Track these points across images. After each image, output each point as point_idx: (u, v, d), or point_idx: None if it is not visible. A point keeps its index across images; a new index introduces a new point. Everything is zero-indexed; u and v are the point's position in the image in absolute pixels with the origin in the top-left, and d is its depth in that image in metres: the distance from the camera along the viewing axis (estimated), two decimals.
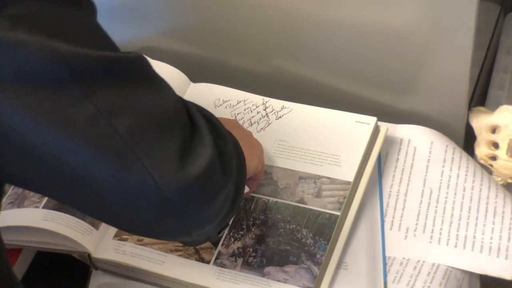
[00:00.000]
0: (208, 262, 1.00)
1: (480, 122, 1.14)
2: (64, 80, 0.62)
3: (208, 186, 0.71)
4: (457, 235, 1.01)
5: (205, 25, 1.23)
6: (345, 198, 1.01)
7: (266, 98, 1.15)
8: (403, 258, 1.00)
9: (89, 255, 1.03)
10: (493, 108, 1.16)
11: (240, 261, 0.99)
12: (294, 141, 1.09)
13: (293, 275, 0.97)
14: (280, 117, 1.12)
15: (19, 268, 1.10)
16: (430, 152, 1.09)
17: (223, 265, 0.99)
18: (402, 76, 1.14)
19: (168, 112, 0.69)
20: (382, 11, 1.06)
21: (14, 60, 0.60)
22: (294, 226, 1.01)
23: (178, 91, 1.11)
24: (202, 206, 0.71)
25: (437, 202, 1.05)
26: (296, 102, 1.13)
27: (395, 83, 1.15)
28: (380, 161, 1.08)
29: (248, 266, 0.98)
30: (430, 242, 1.01)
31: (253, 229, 1.02)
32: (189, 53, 1.28)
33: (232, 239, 1.01)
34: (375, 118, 1.08)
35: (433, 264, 0.99)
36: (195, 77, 1.22)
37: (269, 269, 0.98)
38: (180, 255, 1.01)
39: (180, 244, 1.01)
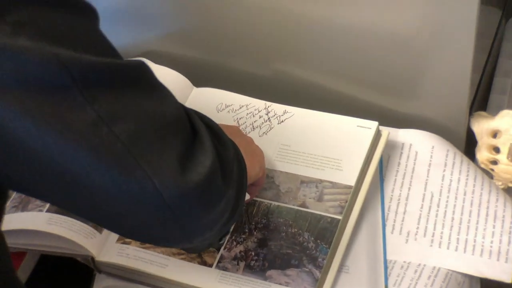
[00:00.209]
0: (210, 266, 1.00)
1: (481, 126, 1.15)
2: (66, 86, 0.62)
3: (209, 193, 0.71)
4: (457, 238, 1.02)
5: (208, 30, 1.23)
6: (346, 202, 1.02)
7: (269, 103, 1.16)
8: (404, 262, 1.01)
9: (92, 259, 1.04)
10: (495, 112, 1.16)
11: (242, 264, 1.00)
12: (296, 146, 1.09)
13: (295, 278, 0.97)
14: (282, 121, 1.13)
15: (23, 272, 1.11)
16: (431, 157, 1.09)
17: (225, 269, 0.99)
18: (403, 81, 1.14)
19: (169, 119, 0.70)
20: (384, 15, 1.06)
21: (16, 66, 0.60)
22: (296, 230, 1.01)
23: (181, 95, 1.13)
24: (203, 213, 0.72)
25: (438, 206, 1.05)
26: (298, 107, 1.14)
27: (397, 87, 1.15)
28: (381, 166, 1.08)
29: (250, 269, 0.99)
30: (431, 245, 1.01)
31: (255, 233, 1.02)
32: (192, 57, 1.28)
33: (234, 243, 1.02)
34: (376, 123, 1.08)
35: (434, 268, 0.99)
36: (198, 82, 1.22)
37: (271, 272, 0.98)
38: (182, 259, 1.01)
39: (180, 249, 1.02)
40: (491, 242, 1.01)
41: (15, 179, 0.67)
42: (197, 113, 0.77)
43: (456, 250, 1.01)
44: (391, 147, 1.11)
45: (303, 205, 1.03)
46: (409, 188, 1.07)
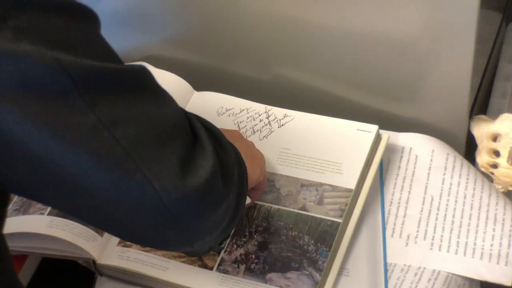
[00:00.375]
0: (211, 269, 1.00)
1: (481, 130, 1.15)
2: (67, 90, 0.62)
3: (209, 197, 0.71)
4: (457, 242, 1.02)
5: (208, 34, 1.23)
6: (346, 205, 1.02)
7: (269, 107, 1.16)
8: (404, 265, 1.01)
9: (94, 261, 1.04)
10: (495, 116, 1.16)
11: (242, 267, 1.00)
12: (296, 149, 1.09)
13: (295, 281, 0.97)
14: (282, 125, 1.13)
15: (25, 275, 1.11)
16: (431, 160, 1.10)
17: (225, 272, 1.00)
18: (403, 85, 1.14)
19: (170, 123, 0.70)
20: (384, 19, 1.07)
21: (18, 70, 0.61)
22: (296, 233, 1.02)
23: (181, 99, 1.13)
24: (203, 217, 0.72)
25: (438, 209, 1.05)
26: (298, 110, 1.14)
27: (397, 91, 1.15)
28: (381, 169, 1.09)
29: (250, 272, 0.99)
30: (431, 249, 1.02)
31: (255, 236, 1.03)
32: (193, 62, 1.29)
33: (235, 246, 1.02)
34: (376, 126, 1.08)
35: (434, 271, 0.99)
36: (198, 86, 1.23)
37: (271, 275, 0.99)
38: (183, 261, 1.01)
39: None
40: (491, 245, 1.01)
41: (17, 182, 0.67)
42: (198, 117, 0.78)
43: (456, 253, 1.01)
44: (391, 151, 1.11)
45: (303, 208, 1.03)
46: (409, 192, 1.08)
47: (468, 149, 1.17)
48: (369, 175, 1.05)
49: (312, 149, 1.09)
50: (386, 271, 1.00)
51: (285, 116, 1.14)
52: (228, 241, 1.02)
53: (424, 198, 1.07)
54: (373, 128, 1.08)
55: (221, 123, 0.90)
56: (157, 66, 1.21)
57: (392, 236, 1.04)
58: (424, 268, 1.00)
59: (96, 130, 0.64)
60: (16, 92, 0.61)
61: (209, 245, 0.81)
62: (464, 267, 1.00)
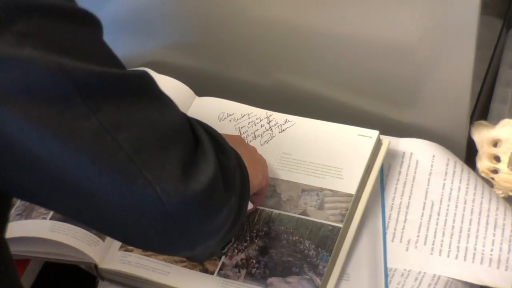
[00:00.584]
0: (212, 273, 1.01)
1: (482, 135, 1.15)
2: (70, 95, 0.63)
3: (210, 201, 0.72)
4: (458, 247, 1.02)
5: (210, 40, 1.24)
6: (347, 210, 1.02)
7: (270, 112, 1.16)
8: (405, 270, 1.01)
9: (95, 266, 1.04)
10: (496, 121, 1.16)
11: (243, 272, 1.00)
12: (297, 154, 1.10)
13: (296, 286, 0.97)
14: (283, 130, 1.14)
15: (27, 279, 1.12)
16: (431, 166, 1.10)
17: (226, 276, 1.00)
18: (404, 90, 1.14)
19: (172, 128, 0.71)
20: (384, 25, 1.07)
21: (21, 75, 0.61)
22: (296, 237, 1.02)
23: (183, 105, 1.13)
24: (205, 221, 0.72)
25: (438, 214, 1.05)
26: (299, 116, 1.15)
27: (398, 97, 1.16)
28: (382, 174, 1.09)
29: (251, 277, 1.00)
30: (431, 253, 1.02)
31: (256, 241, 1.03)
32: (194, 67, 1.29)
33: (236, 251, 1.02)
34: (377, 132, 1.09)
35: (434, 276, 1.00)
36: (200, 91, 1.23)
37: (272, 280, 0.99)
38: (184, 266, 1.02)
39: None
40: (491, 250, 1.01)
41: (19, 186, 0.68)
42: (200, 122, 0.78)
43: (456, 258, 1.01)
44: (392, 156, 1.11)
45: (304, 213, 1.04)
46: (409, 197, 1.08)
47: (468, 155, 1.17)
48: (370, 180, 1.06)
49: (313, 154, 1.09)
50: (386, 275, 1.00)
51: (286, 121, 1.15)
52: (229, 246, 1.02)
53: (424, 203, 1.07)
54: (374, 133, 1.09)
55: (223, 128, 0.91)
56: (159, 71, 1.21)
57: (392, 241, 1.04)
58: (425, 273, 1.00)
59: (98, 134, 0.64)
60: (19, 96, 0.61)
61: (211, 250, 0.81)
62: (465, 272, 1.00)
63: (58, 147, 0.63)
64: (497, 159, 1.14)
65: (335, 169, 1.07)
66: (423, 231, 1.04)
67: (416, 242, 1.03)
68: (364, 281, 1.00)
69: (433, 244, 1.03)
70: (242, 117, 1.17)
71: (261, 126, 1.15)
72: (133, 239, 0.74)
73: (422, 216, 1.06)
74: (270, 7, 1.13)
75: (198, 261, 1.00)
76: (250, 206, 0.98)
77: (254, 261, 1.01)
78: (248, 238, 1.03)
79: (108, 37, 0.71)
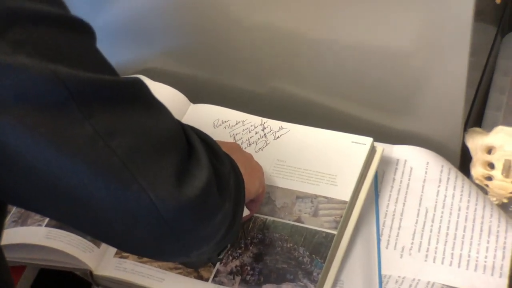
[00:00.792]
0: (206, 280, 1.01)
1: (476, 142, 1.16)
2: (64, 102, 0.63)
3: (204, 207, 0.72)
4: (452, 253, 1.02)
5: (204, 48, 1.24)
6: (341, 217, 1.02)
7: (264, 119, 1.17)
8: (399, 277, 1.01)
9: (90, 272, 1.04)
10: (490, 128, 1.17)
11: (238, 279, 1.00)
12: (292, 161, 1.10)
13: None
14: (278, 137, 1.14)
15: (22, 286, 1.11)
16: (426, 172, 1.10)
17: (221, 283, 1.00)
18: (398, 97, 1.15)
19: (165, 134, 0.71)
20: (379, 33, 1.07)
21: (15, 82, 0.61)
22: (291, 244, 1.02)
23: (178, 111, 1.13)
24: (199, 226, 0.72)
25: (433, 221, 1.05)
26: (294, 123, 1.15)
27: (391, 104, 1.16)
28: (376, 181, 1.09)
29: (246, 284, 1.00)
30: (426, 260, 1.02)
31: (251, 248, 1.03)
32: (189, 75, 1.29)
33: (230, 258, 1.02)
34: (371, 139, 1.09)
35: (428, 282, 1.00)
36: (194, 98, 1.24)
37: (266, 287, 0.99)
38: (179, 273, 1.02)
39: (179, 263, 1.02)
40: (486, 257, 1.01)
41: (14, 193, 0.68)
42: (194, 129, 0.78)
43: (450, 265, 1.01)
44: (386, 163, 1.12)
45: (298, 220, 1.04)
46: (403, 204, 1.08)
47: (462, 162, 1.18)
48: (364, 187, 1.06)
49: (307, 161, 1.10)
50: (380, 282, 1.00)
51: (280, 128, 1.15)
52: (225, 252, 1.03)
53: (418, 210, 1.07)
54: (368, 140, 1.09)
55: (217, 135, 0.91)
56: (154, 79, 1.22)
57: (386, 248, 1.04)
58: (419, 280, 1.00)
59: (92, 141, 0.65)
60: (13, 103, 0.62)
61: (207, 256, 0.81)
62: (459, 279, 1.00)
63: (52, 154, 0.64)
64: (491, 166, 1.14)
65: (329, 176, 1.07)
66: (417, 238, 1.04)
67: (410, 249, 1.03)
68: None
69: (427, 251, 1.03)
70: (236, 124, 1.17)
71: (256, 133, 1.15)
72: (128, 245, 0.75)
73: (416, 223, 1.06)
74: (265, 15, 1.13)
75: (195, 267, 1.00)
76: (246, 212, 0.98)
77: (249, 268, 1.01)
78: (242, 245, 1.03)
79: (104, 45, 0.71)
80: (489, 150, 1.15)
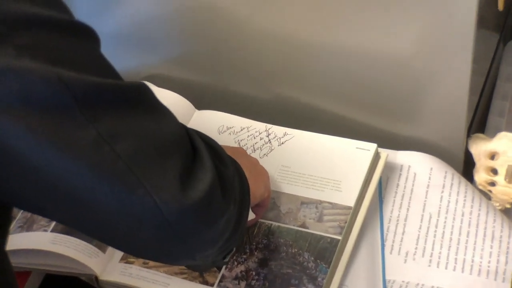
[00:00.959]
0: (212, 285, 1.01)
1: (479, 148, 1.16)
2: (68, 105, 0.64)
3: (209, 210, 0.72)
4: (455, 258, 1.02)
5: (209, 54, 1.25)
6: (346, 222, 1.03)
7: (269, 125, 1.17)
8: (403, 281, 1.01)
9: (96, 278, 1.05)
10: (493, 134, 1.17)
11: (243, 284, 1.00)
12: (296, 167, 1.10)
13: None
14: (282, 143, 1.14)
15: None
16: (429, 178, 1.11)
17: None
18: (402, 104, 1.15)
19: (169, 137, 0.71)
20: (382, 39, 1.08)
21: (20, 86, 0.62)
22: (296, 250, 1.02)
23: (183, 118, 1.14)
24: (203, 229, 0.73)
25: (436, 226, 1.06)
26: (298, 129, 1.15)
27: (395, 110, 1.16)
28: (380, 187, 1.09)
29: None
30: (429, 265, 1.02)
31: (256, 253, 1.03)
32: (194, 81, 1.30)
33: (236, 263, 1.03)
34: (375, 145, 1.09)
35: (432, 287, 1.00)
36: (199, 105, 1.24)
37: None
38: (184, 278, 1.02)
39: (185, 267, 1.03)
40: (489, 262, 1.01)
41: (19, 195, 0.68)
42: (198, 133, 0.79)
43: (454, 270, 1.01)
44: (390, 169, 1.12)
45: (303, 225, 1.04)
46: (407, 209, 1.08)
47: (466, 167, 1.18)
48: (368, 193, 1.06)
49: (311, 167, 1.10)
50: (385, 287, 1.00)
51: (285, 134, 1.15)
52: (230, 256, 1.03)
53: (422, 215, 1.07)
54: (372, 146, 1.09)
55: (222, 141, 0.91)
56: (159, 85, 1.22)
57: (391, 253, 1.04)
58: (423, 284, 1.00)
59: (96, 144, 0.65)
60: (18, 107, 0.62)
61: (212, 259, 0.82)
62: (462, 283, 1.00)
63: (56, 157, 0.64)
64: (494, 171, 1.15)
65: (334, 182, 1.07)
66: (421, 243, 1.04)
67: (414, 254, 1.04)
68: None
69: (431, 256, 1.03)
70: (241, 130, 1.17)
71: (260, 139, 1.15)
72: (132, 247, 0.75)
73: (420, 228, 1.06)
74: (269, 21, 1.14)
75: (200, 271, 1.01)
76: (252, 216, 0.98)
77: (254, 273, 1.01)
78: (247, 250, 1.04)
79: (109, 52, 0.72)
80: (492, 156, 1.15)
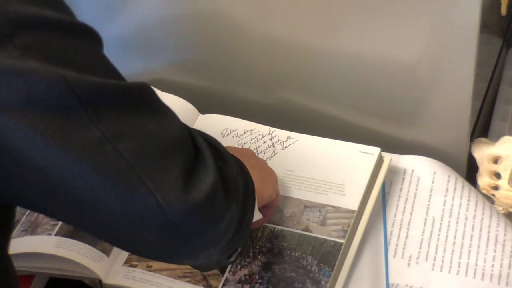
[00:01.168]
0: None
1: (482, 152, 1.16)
2: (72, 106, 0.64)
3: (211, 210, 0.73)
4: (459, 262, 1.02)
5: (213, 59, 1.25)
6: (349, 226, 1.03)
7: (272, 129, 1.17)
8: (406, 285, 1.01)
9: (100, 281, 1.05)
10: (496, 139, 1.17)
11: (246, 287, 1.01)
12: (300, 171, 1.11)
13: None
14: (286, 147, 1.15)
15: None
16: (433, 182, 1.11)
17: None
18: (405, 108, 1.15)
19: (172, 138, 0.71)
20: (385, 45, 1.08)
21: (24, 86, 0.62)
22: (299, 253, 1.02)
23: (187, 122, 1.13)
24: (206, 229, 0.73)
25: (440, 230, 1.06)
26: (302, 133, 1.15)
27: (399, 114, 1.17)
28: (384, 191, 1.10)
29: None
30: (433, 269, 1.02)
31: (259, 257, 1.03)
32: (197, 85, 1.30)
33: (239, 266, 1.03)
34: (378, 149, 1.10)
35: None
36: (203, 109, 1.24)
37: None
38: (188, 281, 1.02)
39: (188, 271, 1.02)
40: (492, 266, 1.01)
41: (23, 195, 0.69)
42: (200, 133, 0.79)
43: (457, 274, 1.02)
44: (394, 173, 1.12)
45: (306, 229, 1.04)
46: (411, 213, 1.08)
47: (469, 172, 1.18)
48: (372, 197, 1.06)
49: (315, 171, 1.10)
50: None
51: (288, 138, 1.15)
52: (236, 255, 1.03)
53: (425, 219, 1.07)
54: (375, 150, 1.10)
55: (225, 144, 0.91)
56: (163, 89, 1.22)
57: (394, 256, 1.04)
58: None
59: (100, 144, 0.65)
60: (22, 107, 0.63)
61: (216, 258, 0.82)
62: (466, 287, 1.00)
63: (60, 157, 0.64)
64: (498, 176, 1.15)
65: (337, 186, 1.08)
66: (425, 247, 1.05)
67: (418, 258, 1.04)
68: None
69: (434, 260, 1.03)
70: (245, 133, 1.18)
71: (264, 143, 1.16)
72: (135, 247, 0.75)
73: (423, 232, 1.06)
74: (272, 26, 1.14)
75: (204, 270, 1.00)
76: (260, 216, 0.98)
77: (257, 276, 1.01)
78: (251, 254, 1.04)
79: (113, 56, 0.72)
80: (496, 160, 1.16)
